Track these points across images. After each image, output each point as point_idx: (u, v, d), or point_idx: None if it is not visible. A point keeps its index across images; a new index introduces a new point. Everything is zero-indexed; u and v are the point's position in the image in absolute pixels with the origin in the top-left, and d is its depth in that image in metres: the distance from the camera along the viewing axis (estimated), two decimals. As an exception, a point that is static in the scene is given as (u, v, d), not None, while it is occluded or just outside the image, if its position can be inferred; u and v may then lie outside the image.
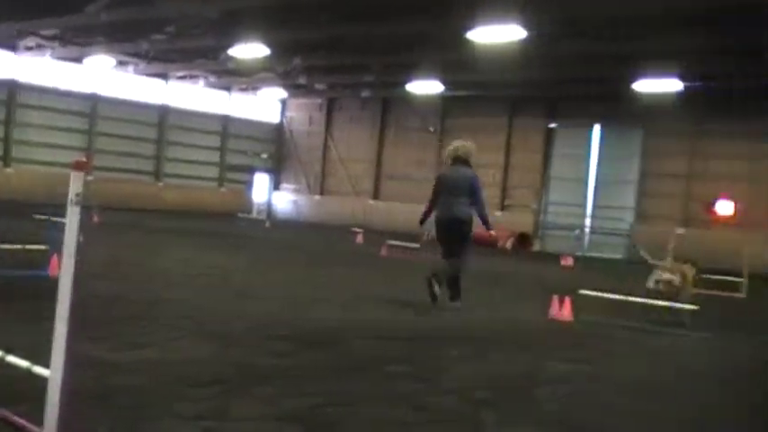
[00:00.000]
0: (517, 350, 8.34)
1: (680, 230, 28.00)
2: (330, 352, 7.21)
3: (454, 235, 11.06)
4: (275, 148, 43.87)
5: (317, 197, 41.75)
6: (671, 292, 11.83)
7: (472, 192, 10.99)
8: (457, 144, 11.53)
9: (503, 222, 32.78)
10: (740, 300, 16.54)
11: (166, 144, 39.39)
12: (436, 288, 10.95)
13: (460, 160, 11.28)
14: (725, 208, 28.75)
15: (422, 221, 11.66)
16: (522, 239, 31.23)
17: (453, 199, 11.03)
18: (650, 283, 12.02)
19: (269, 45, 25.84)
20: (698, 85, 26.54)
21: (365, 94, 37.05)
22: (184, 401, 5.02)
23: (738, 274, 17.61)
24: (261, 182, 43.51)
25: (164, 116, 39.10)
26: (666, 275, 12.10)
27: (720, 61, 24.04)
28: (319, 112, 42.14)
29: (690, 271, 13.16)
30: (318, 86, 38.09)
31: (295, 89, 38.63)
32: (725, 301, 15.42)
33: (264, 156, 43.44)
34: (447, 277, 11.08)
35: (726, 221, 28.64)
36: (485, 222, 11.27)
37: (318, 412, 5.07)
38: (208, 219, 33.20)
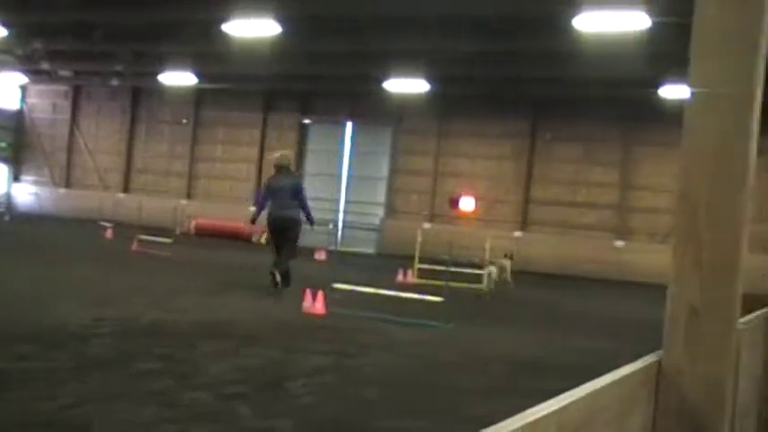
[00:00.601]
0: (271, 344, 8.40)
1: (426, 225, 29.36)
2: (78, 351, 6.91)
3: (284, 233, 12.89)
4: (14, 137, 41.11)
5: (63, 190, 39.63)
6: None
7: (297, 195, 13.03)
8: (277, 155, 13.88)
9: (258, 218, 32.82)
10: (481, 291, 17.58)
11: None
12: (278, 278, 12.58)
13: (283, 168, 13.41)
14: (467, 204, 30.46)
15: (253, 221, 13.66)
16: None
17: (281, 202, 12.92)
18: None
19: (6, 25, 24.17)
20: (442, 86, 27.91)
21: (115, 83, 35.59)
22: None
23: (480, 267, 18.72)
24: (-2, 173, 40.68)
25: None
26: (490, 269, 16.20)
27: (461, 65, 25.39)
28: (65, 100, 39.99)
29: (507, 263, 17.60)
30: (63, 73, 36.10)
31: (37, 75, 36.35)
32: (469, 294, 16.33)
33: (2, 145, 40.58)
34: (280, 270, 12.75)
35: (468, 216, 30.37)
36: (308, 218, 13.37)
37: (67, 414, 4.85)
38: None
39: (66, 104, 39.87)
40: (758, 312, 4.43)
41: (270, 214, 13.10)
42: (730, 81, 2.24)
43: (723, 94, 2.25)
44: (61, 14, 23.46)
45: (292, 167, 13.46)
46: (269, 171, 34.72)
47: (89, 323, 8.46)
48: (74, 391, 5.42)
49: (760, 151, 2.42)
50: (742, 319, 2.93)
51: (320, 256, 24.82)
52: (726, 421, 2.24)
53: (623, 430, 1.99)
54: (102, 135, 38.98)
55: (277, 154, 14.29)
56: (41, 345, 7.01)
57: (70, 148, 39.57)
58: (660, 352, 2.25)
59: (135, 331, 8.30)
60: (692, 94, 2.28)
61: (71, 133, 39.55)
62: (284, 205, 12.95)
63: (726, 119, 2.24)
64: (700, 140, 2.26)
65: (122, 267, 15.99)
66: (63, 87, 39.54)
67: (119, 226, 27.27)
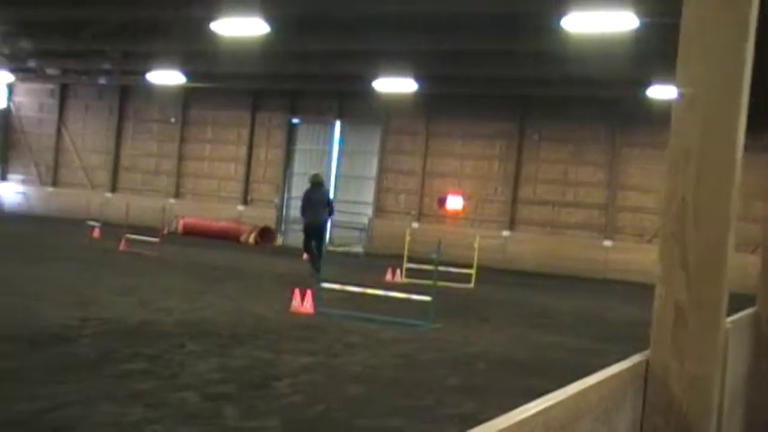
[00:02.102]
0: (258, 344, 8.37)
1: (415, 224, 29.37)
2: (61, 351, 6.86)
3: (317, 234, 17.54)
4: (1, 136, 40.88)
5: (50, 189, 39.45)
6: None
7: (328, 205, 17.87)
8: (313, 173, 19.07)
9: (246, 217, 32.84)
10: (469, 291, 17.61)
11: None
12: (314, 268, 16.43)
13: (317, 183, 18.33)
14: (455, 203, 30.49)
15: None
16: (265, 234, 31.35)
17: (316, 211, 17.52)
18: None
19: (-7, 24, 24.03)
20: (431, 86, 27.92)
21: (102, 81, 35.45)
22: None
23: (468, 266, 18.76)
24: (-15, 172, 40.41)
25: None
26: None
27: (450, 65, 25.40)
28: (52, 98, 39.80)
29: None
30: (51, 71, 35.94)
31: (24, 73, 36.17)
32: (456, 293, 16.33)
33: (-11, 143, 40.35)
34: (315, 259, 17.04)
35: (455, 216, 30.39)
36: (330, 215, 18.14)
37: (48, 416, 4.81)
38: None
39: (53, 103, 39.69)
40: (745, 312, 4.44)
41: (306, 220, 17.77)
42: (717, 81, 2.24)
43: (710, 95, 2.24)
44: (49, 12, 23.34)
45: (325, 184, 18.14)
46: (257, 170, 35.01)
47: (73, 323, 8.41)
48: (54, 393, 5.37)
49: (745, 150, 2.42)
50: (729, 319, 2.94)
51: (308, 255, 24.71)
52: (712, 420, 2.24)
53: (611, 429, 1.98)
54: (89, 134, 38.82)
55: (313, 173, 19.36)
56: (21, 345, 6.96)
57: (57, 147, 39.39)
58: (648, 351, 2.25)
59: (120, 331, 8.26)
60: (680, 94, 2.28)
61: (58, 132, 39.39)
62: (317, 213, 17.48)
63: (713, 119, 2.24)
64: (687, 140, 2.26)
65: (109, 267, 15.93)
66: (50, 86, 39.37)
67: (106, 225, 27.16)
